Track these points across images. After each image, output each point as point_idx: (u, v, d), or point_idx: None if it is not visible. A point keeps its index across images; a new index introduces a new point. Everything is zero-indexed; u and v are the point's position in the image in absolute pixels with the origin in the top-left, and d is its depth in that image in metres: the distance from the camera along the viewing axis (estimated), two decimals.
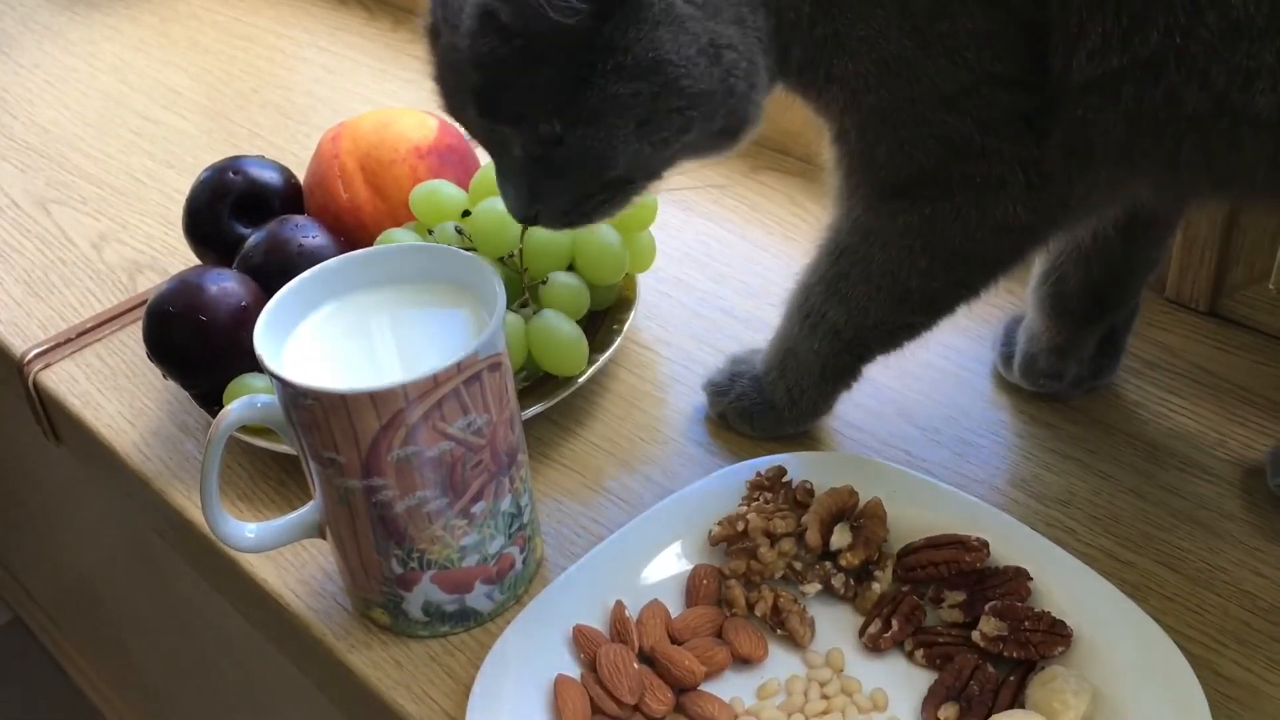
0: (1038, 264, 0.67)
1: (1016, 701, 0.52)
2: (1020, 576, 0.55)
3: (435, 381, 0.51)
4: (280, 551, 0.63)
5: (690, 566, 0.59)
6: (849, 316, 0.61)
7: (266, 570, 0.63)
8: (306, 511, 0.58)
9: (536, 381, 0.70)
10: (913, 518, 0.59)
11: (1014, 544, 0.57)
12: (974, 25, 0.51)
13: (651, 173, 0.57)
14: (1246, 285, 0.70)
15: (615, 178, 0.56)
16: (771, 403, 0.66)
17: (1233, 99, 0.48)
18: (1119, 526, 0.61)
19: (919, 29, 0.52)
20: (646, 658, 0.55)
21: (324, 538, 0.58)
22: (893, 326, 0.62)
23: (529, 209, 0.57)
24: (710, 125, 0.55)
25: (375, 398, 0.50)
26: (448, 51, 0.55)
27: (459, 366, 0.51)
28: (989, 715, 0.51)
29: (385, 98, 1.05)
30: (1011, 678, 0.53)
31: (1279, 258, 0.67)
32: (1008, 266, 0.59)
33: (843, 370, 0.65)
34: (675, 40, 0.52)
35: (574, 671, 0.55)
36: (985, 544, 0.56)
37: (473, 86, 0.54)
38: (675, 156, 0.57)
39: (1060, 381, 0.67)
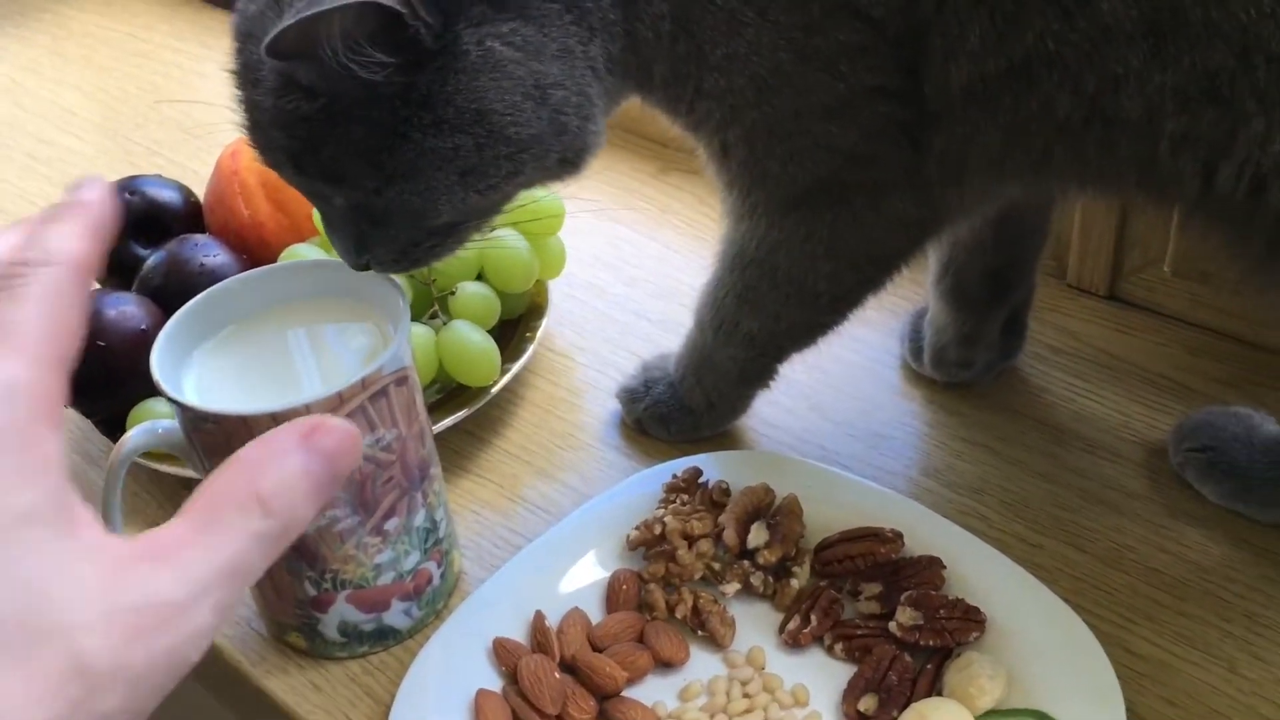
0: (934, 259, 0.68)
1: (934, 689, 0.52)
2: (934, 565, 0.56)
3: (340, 399, 0.50)
4: None
5: (610, 572, 0.59)
6: (762, 324, 0.62)
7: None
8: None
9: (450, 393, 0.70)
10: (828, 512, 0.59)
11: (928, 533, 0.58)
12: (847, 38, 0.51)
13: (483, 215, 0.55)
14: (1143, 268, 0.71)
15: (443, 224, 0.54)
16: (688, 407, 0.67)
17: (1103, 104, 0.49)
18: (1029, 511, 0.62)
19: (794, 44, 0.51)
20: (568, 666, 0.55)
21: None
22: (806, 327, 0.62)
23: (358, 259, 0.54)
24: (543, 164, 0.52)
25: (278, 418, 0.49)
26: (252, 109, 0.52)
27: (364, 383, 0.51)
28: (908, 704, 0.52)
29: None
30: (929, 666, 0.53)
31: (1171, 240, 0.69)
32: (908, 259, 0.60)
33: (760, 372, 0.65)
34: (498, 87, 0.49)
35: (495, 685, 0.54)
36: (899, 535, 0.57)
37: (282, 147, 0.51)
38: (508, 197, 0.55)
39: (971, 369, 0.69)
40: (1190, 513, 0.61)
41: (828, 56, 0.51)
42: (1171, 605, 0.56)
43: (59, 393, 0.31)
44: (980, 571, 0.56)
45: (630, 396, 0.69)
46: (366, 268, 0.55)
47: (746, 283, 0.61)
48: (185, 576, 0.29)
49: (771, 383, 0.66)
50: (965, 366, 0.69)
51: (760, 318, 0.61)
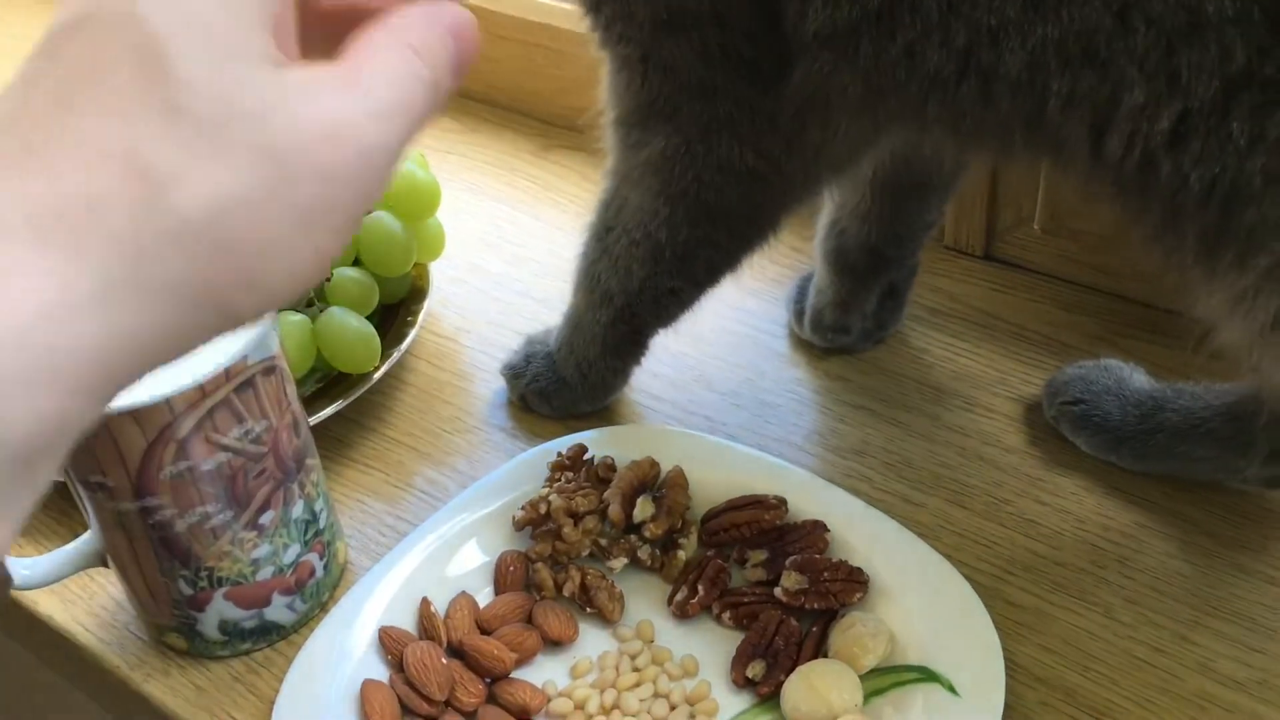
0: (823, 216, 0.68)
1: (820, 651, 0.53)
2: (818, 529, 0.56)
3: (203, 392, 0.49)
4: (66, 584, 0.60)
5: (497, 554, 0.58)
6: (617, 278, 0.61)
7: (51, 605, 0.60)
8: (84, 540, 0.55)
9: (331, 381, 0.68)
10: (715, 483, 0.59)
11: (811, 497, 0.58)
12: None
13: None
14: (1016, 227, 0.73)
15: None
16: (565, 380, 0.66)
17: (980, 58, 0.47)
18: (911, 470, 0.63)
19: None
20: (456, 651, 0.55)
21: (107, 565, 0.55)
22: (656, 292, 0.61)
23: None
24: None
25: (138, 415, 0.48)
26: None
27: (227, 373, 0.49)
28: (794, 667, 0.52)
29: None
30: (814, 629, 0.54)
31: (1040, 199, 0.70)
32: (751, 226, 0.59)
33: (623, 342, 0.64)
34: None
35: (383, 675, 0.54)
36: (783, 501, 0.57)
37: None
38: None
39: (848, 335, 0.69)
40: (1066, 464, 0.62)
41: None
42: (1048, 555, 0.58)
43: None
44: (863, 533, 0.56)
45: (513, 372, 0.68)
46: None
47: (604, 223, 0.61)
48: (369, 104, 0.29)
49: (642, 356, 0.66)
50: (841, 331, 0.69)
51: (615, 269, 0.61)
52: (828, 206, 0.68)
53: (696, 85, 0.53)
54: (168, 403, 0.48)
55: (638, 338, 0.64)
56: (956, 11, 0.46)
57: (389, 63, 0.30)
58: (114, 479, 0.50)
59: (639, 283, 0.60)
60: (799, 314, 0.71)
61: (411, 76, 0.30)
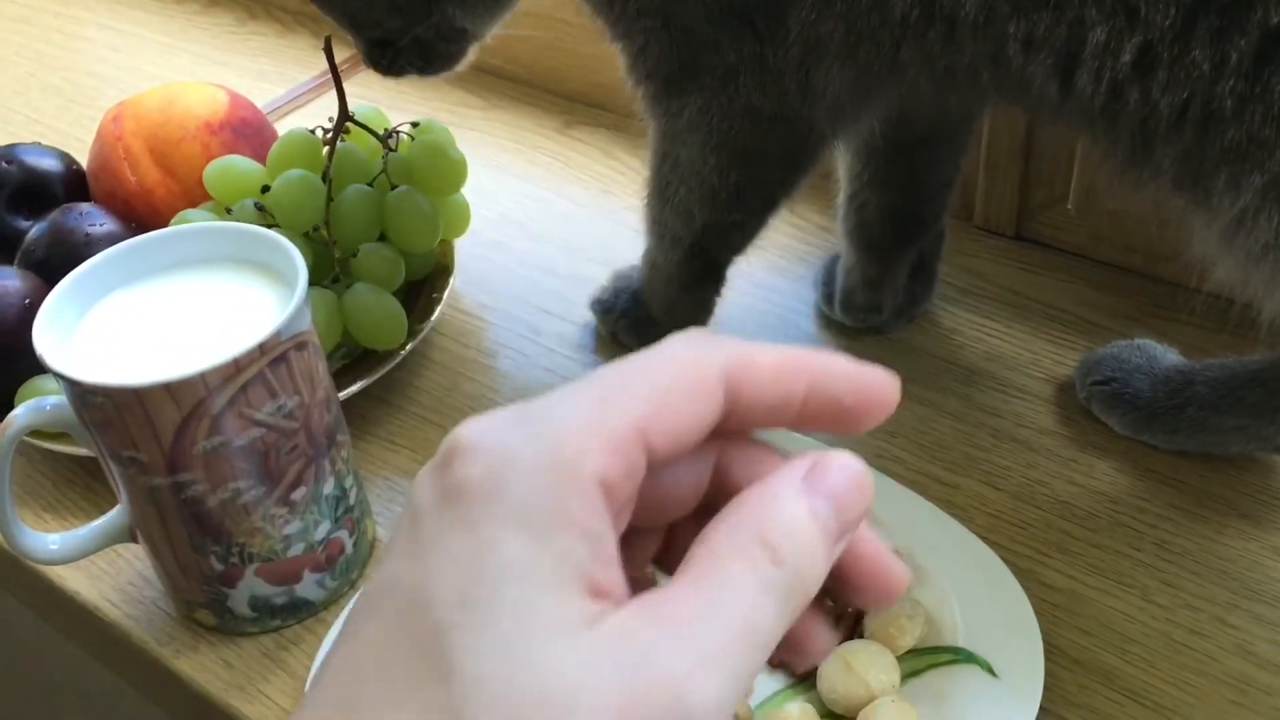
0: (841, 192, 0.68)
1: (855, 633, 0.53)
2: None
3: (237, 366, 0.48)
4: (93, 560, 0.59)
5: None
6: (682, 222, 0.63)
7: (79, 581, 0.59)
8: (113, 516, 0.55)
9: (357, 358, 0.68)
10: None
11: None
12: None
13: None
14: (1049, 206, 0.72)
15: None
16: (652, 316, 0.67)
17: (944, 4, 0.49)
18: (943, 451, 0.62)
19: None
20: None
21: (136, 541, 0.55)
22: (721, 226, 0.63)
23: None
24: None
25: (172, 389, 0.47)
26: None
27: (261, 348, 0.49)
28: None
29: (175, 73, 1.00)
30: (850, 609, 0.53)
31: (1074, 177, 0.70)
32: (793, 162, 0.60)
33: (699, 276, 0.66)
34: None
35: None
36: None
37: None
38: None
39: (880, 314, 0.68)
40: (1099, 445, 0.61)
41: None
42: (1084, 537, 0.57)
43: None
44: (898, 513, 0.56)
45: (602, 307, 0.70)
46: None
47: (661, 179, 0.62)
48: (694, 646, 0.25)
49: (719, 288, 0.67)
50: (873, 311, 0.69)
51: (678, 215, 0.62)
52: (843, 182, 0.68)
53: (711, 42, 0.55)
54: (202, 377, 0.47)
55: (713, 270, 0.66)
56: None
57: (728, 584, 0.26)
58: (147, 454, 0.49)
59: (701, 223, 0.62)
60: (828, 296, 0.70)
61: (759, 589, 0.26)
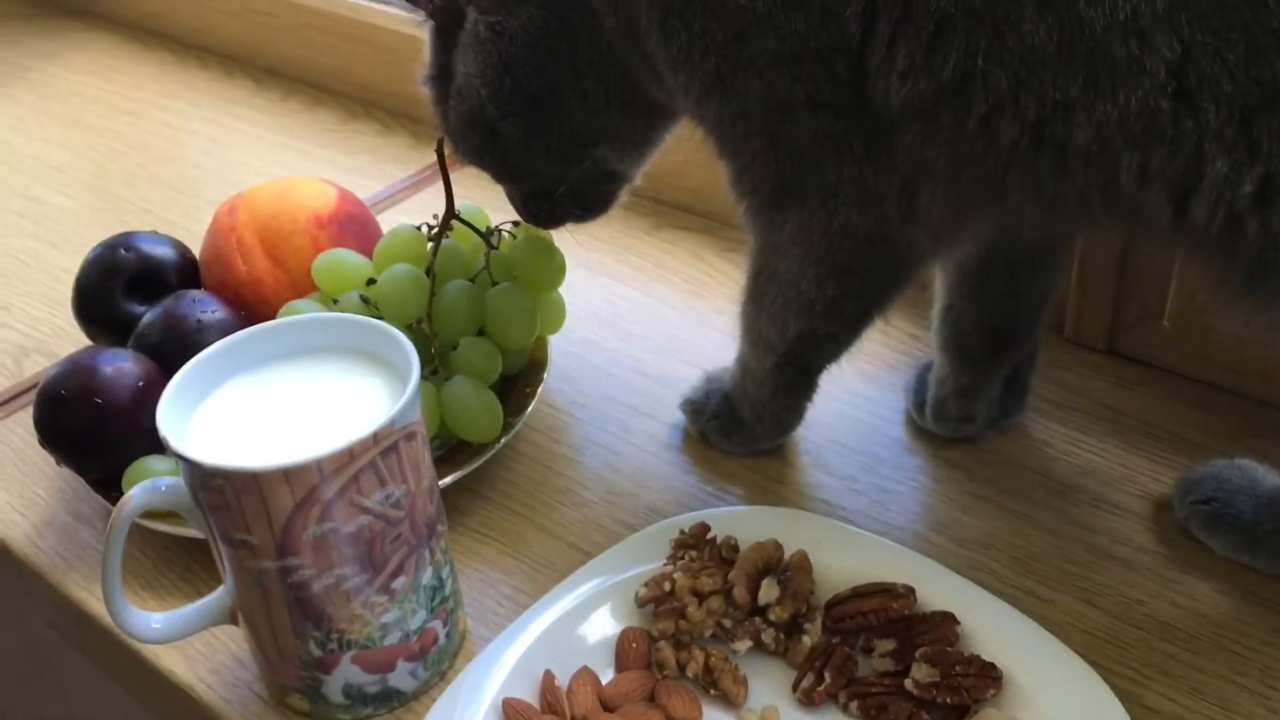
0: (936, 303, 0.69)
1: None
2: (948, 621, 0.55)
3: (351, 454, 0.49)
4: (189, 641, 0.60)
5: (618, 630, 0.58)
6: (777, 331, 0.64)
7: (174, 661, 0.60)
8: (216, 597, 0.56)
9: (451, 450, 0.69)
10: (838, 568, 0.59)
11: (939, 588, 0.57)
12: (776, 48, 0.53)
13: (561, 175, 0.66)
14: (1142, 323, 0.72)
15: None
16: (742, 419, 0.68)
17: (1052, 131, 0.49)
18: (1038, 565, 0.61)
19: (725, 50, 0.55)
20: None
21: (235, 623, 0.56)
22: (815, 338, 0.64)
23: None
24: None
25: (289, 474, 0.49)
26: None
27: (375, 437, 0.50)
28: None
29: (278, 168, 1.04)
30: None
31: (1171, 294, 0.70)
32: (890, 279, 0.61)
33: (792, 383, 0.67)
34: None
35: None
36: (911, 590, 0.57)
37: None
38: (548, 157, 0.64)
39: (972, 424, 0.68)
40: (1199, 566, 0.60)
41: (759, 65, 0.54)
42: (1186, 660, 0.56)
43: None
44: (994, 627, 0.55)
45: (694, 408, 0.71)
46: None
47: (758, 287, 0.64)
48: None
49: (811, 394, 0.68)
50: (965, 420, 0.69)
51: (774, 325, 0.64)
52: (939, 293, 0.68)
53: (814, 162, 0.57)
54: (318, 464, 0.49)
55: (805, 378, 0.67)
56: (1025, 86, 0.49)
57: None
58: (258, 537, 0.50)
59: (796, 333, 0.63)
60: (920, 404, 0.71)
61: None
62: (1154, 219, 0.50)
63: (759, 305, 0.64)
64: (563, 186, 0.65)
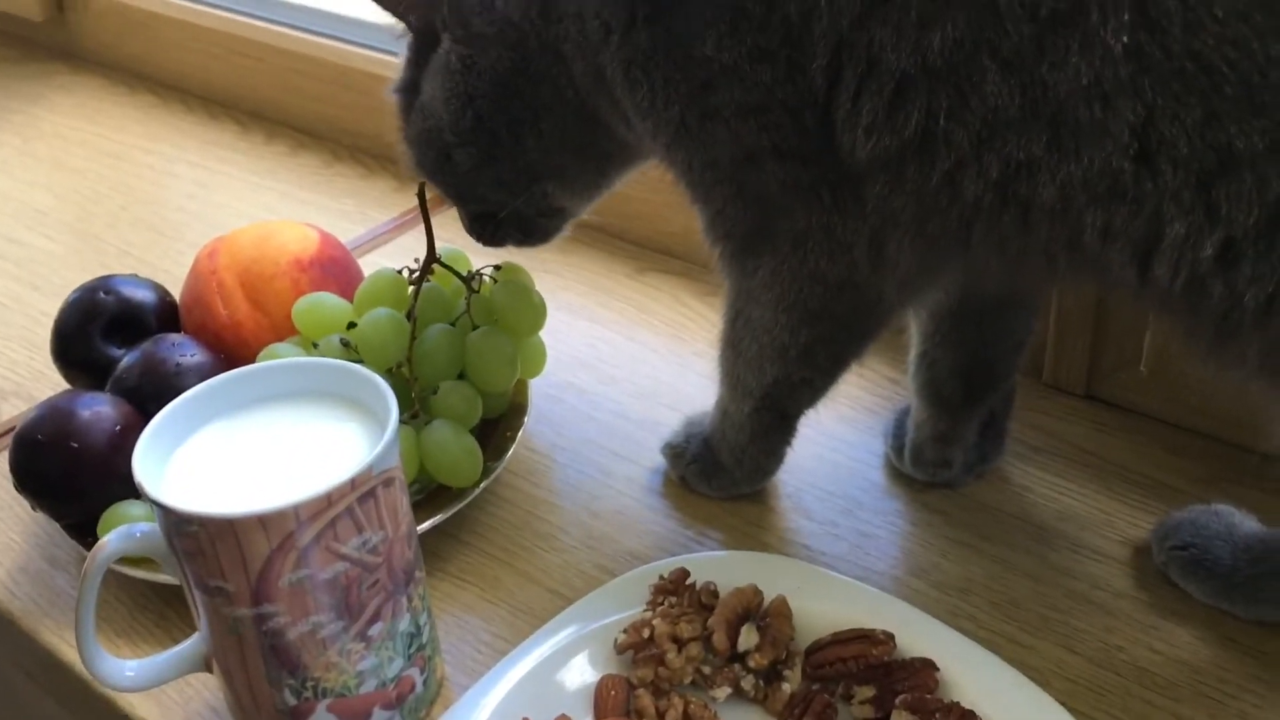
0: (912, 349, 0.69)
1: None
2: (928, 667, 0.55)
3: (329, 500, 0.49)
4: (164, 689, 0.59)
5: (597, 677, 0.58)
6: (753, 375, 0.64)
7: (149, 710, 0.59)
8: (191, 644, 0.55)
9: (430, 494, 0.69)
10: (818, 614, 0.59)
11: (919, 634, 0.57)
12: (742, 98, 0.54)
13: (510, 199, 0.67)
14: (1120, 368, 0.72)
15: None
16: (721, 464, 0.68)
17: (1016, 189, 0.50)
18: (1018, 611, 0.61)
19: (692, 100, 0.55)
20: None
21: (210, 671, 0.55)
22: (790, 383, 0.64)
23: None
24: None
25: (265, 520, 0.48)
26: None
27: (353, 483, 0.50)
28: None
29: (261, 211, 1.04)
30: None
31: (1147, 340, 0.70)
32: (861, 326, 0.61)
33: (771, 428, 0.67)
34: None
35: None
36: (891, 636, 0.56)
37: None
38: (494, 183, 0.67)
39: (950, 469, 0.69)
40: (1178, 612, 0.60)
41: (725, 114, 0.55)
42: (1165, 706, 0.56)
43: None
44: (974, 674, 0.55)
45: (674, 452, 0.71)
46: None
47: (735, 333, 0.64)
48: None
49: (790, 438, 0.68)
50: (943, 465, 0.69)
51: (750, 370, 0.64)
52: (914, 340, 0.69)
53: (784, 208, 0.57)
54: (295, 510, 0.48)
55: (783, 423, 0.67)
56: (988, 145, 0.49)
57: None
58: (234, 584, 0.50)
59: (772, 378, 0.63)
60: (898, 448, 0.71)
61: None
62: (1119, 276, 0.51)
63: (736, 350, 0.64)
64: (505, 212, 0.67)
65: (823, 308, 0.60)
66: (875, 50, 0.50)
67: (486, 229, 0.69)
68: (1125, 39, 0.45)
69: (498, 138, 0.63)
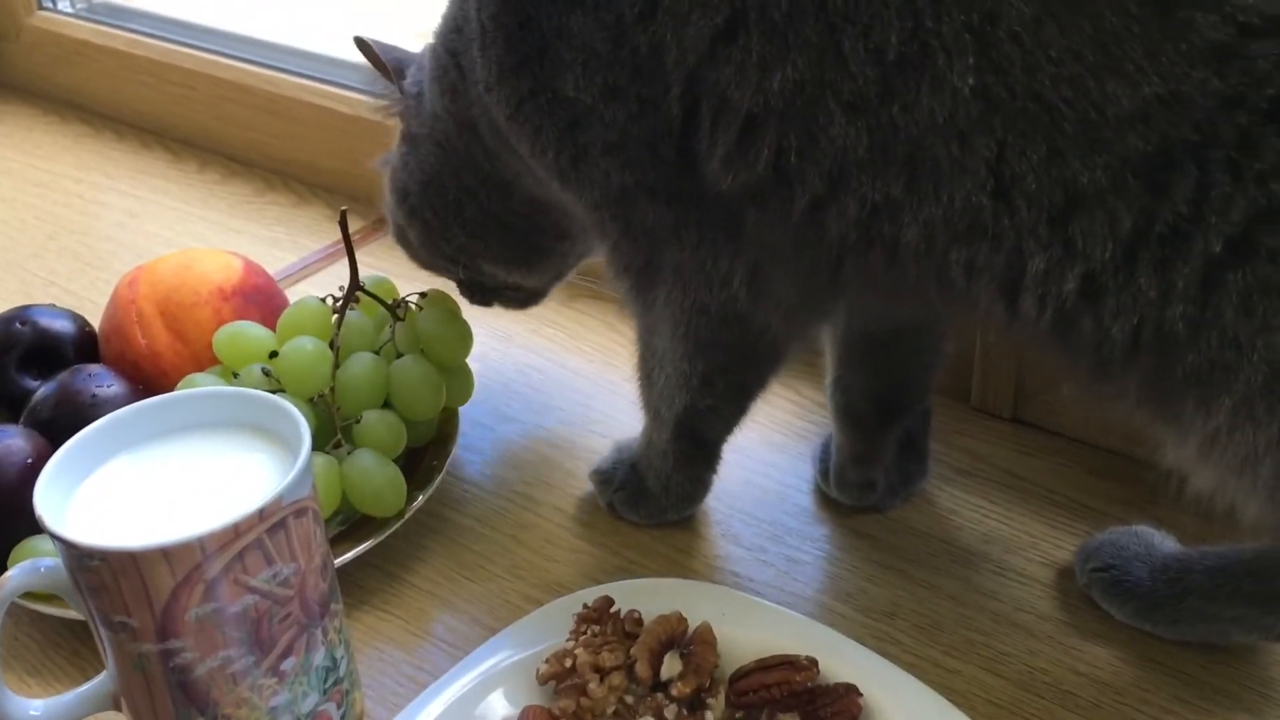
0: (827, 375, 0.69)
1: None
2: (851, 693, 0.55)
3: (236, 531, 0.48)
4: None
5: (519, 708, 0.57)
6: (665, 404, 0.64)
7: None
8: (99, 682, 0.54)
9: (354, 524, 0.68)
10: (743, 640, 0.58)
11: (843, 660, 0.57)
12: (600, 136, 0.55)
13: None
14: (1044, 391, 0.73)
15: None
16: (648, 490, 0.68)
17: (881, 229, 0.50)
18: (943, 634, 0.61)
19: (564, 142, 0.57)
20: None
21: (119, 709, 0.54)
22: (697, 411, 0.64)
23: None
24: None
25: (169, 553, 0.47)
26: None
27: (261, 514, 0.49)
28: None
29: (192, 240, 1.03)
30: None
31: None
32: (753, 356, 0.62)
33: (692, 455, 0.67)
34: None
35: None
36: (815, 662, 0.56)
37: None
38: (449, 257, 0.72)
39: (874, 491, 0.69)
40: (1100, 634, 0.61)
41: (593, 153, 0.56)
42: None
43: None
44: (897, 699, 0.55)
45: (602, 479, 0.70)
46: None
47: (646, 364, 0.65)
48: None
49: (714, 465, 0.68)
50: (866, 488, 0.69)
51: (663, 399, 0.64)
52: (829, 365, 0.69)
53: (665, 243, 0.58)
54: (200, 542, 0.47)
55: (702, 450, 0.67)
56: (843, 185, 0.50)
57: None
58: (138, 619, 0.49)
59: (681, 407, 0.64)
60: (825, 472, 0.71)
61: None
62: (989, 312, 0.51)
63: (650, 380, 0.65)
64: (464, 282, 0.74)
65: (712, 337, 0.60)
66: (722, 87, 0.51)
67: (476, 294, 0.75)
68: (971, 81, 0.45)
69: (429, 225, 0.69)
